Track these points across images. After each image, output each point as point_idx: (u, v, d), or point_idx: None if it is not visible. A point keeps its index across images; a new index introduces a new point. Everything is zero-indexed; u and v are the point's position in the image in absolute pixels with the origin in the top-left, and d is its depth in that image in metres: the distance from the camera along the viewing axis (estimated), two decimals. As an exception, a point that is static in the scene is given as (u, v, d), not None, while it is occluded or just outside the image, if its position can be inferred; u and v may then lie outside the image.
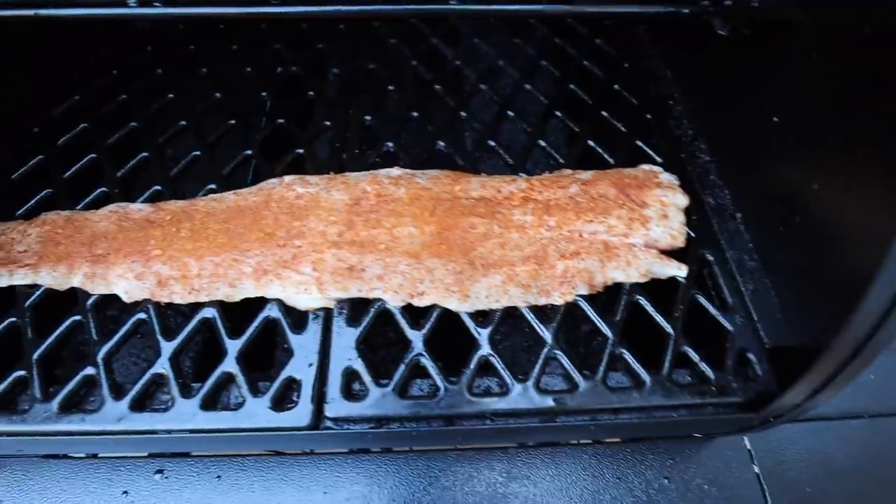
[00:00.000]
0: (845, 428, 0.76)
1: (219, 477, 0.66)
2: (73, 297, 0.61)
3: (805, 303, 0.59)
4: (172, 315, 0.65)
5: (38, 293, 0.61)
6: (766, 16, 0.56)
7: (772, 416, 0.57)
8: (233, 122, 0.77)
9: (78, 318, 0.59)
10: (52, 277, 0.61)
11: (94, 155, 0.73)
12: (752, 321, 0.62)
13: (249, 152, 0.73)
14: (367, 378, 0.56)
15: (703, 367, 0.59)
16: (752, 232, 0.68)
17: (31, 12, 0.52)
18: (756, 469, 0.70)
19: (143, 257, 0.60)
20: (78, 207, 0.68)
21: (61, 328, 0.59)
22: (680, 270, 0.63)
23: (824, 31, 0.53)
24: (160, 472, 0.66)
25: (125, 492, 0.65)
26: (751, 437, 0.71)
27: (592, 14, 0.55)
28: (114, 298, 0.61)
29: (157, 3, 0.53)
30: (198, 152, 0.73)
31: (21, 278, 0.61)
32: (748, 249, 0.67)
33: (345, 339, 0.58)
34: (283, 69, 0.85)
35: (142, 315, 0.59)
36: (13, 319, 0.59)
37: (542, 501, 0.65)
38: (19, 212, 0.68)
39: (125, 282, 0.60)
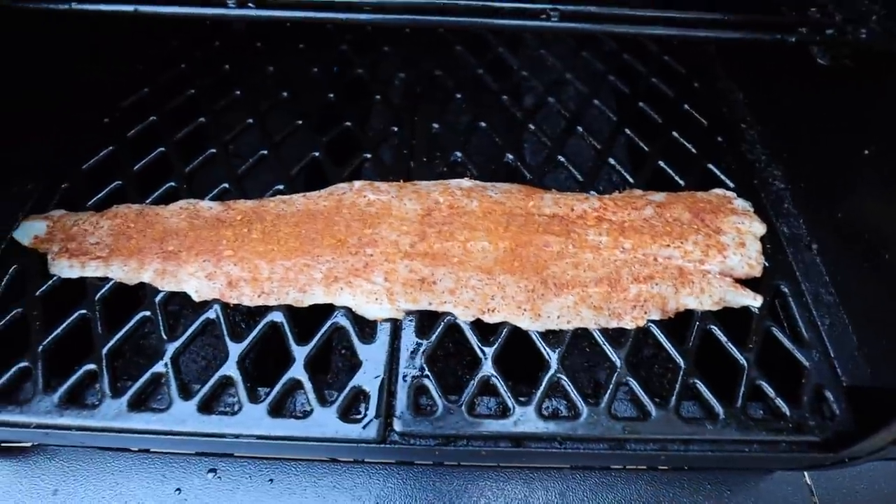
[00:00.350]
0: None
1: (271, 480, 0.65)
2: (140, 292, 0.61)
3: (890, 343, 0.56)
4: (237, 316, 0.65)
5: (107, 286, 0.61)
6: (873, 47, 0.53)
7: (848, 458, 0.55)
8: (299, 122, 0.76)
9: (147, 313, 0.59)
10: (122, 271, 0.61)
11: (162, 149, 0.73)
12: (829, 357, 0.60)
13: (316, 154, 0.73)
14: (435, 393, 0.55)
15: (779, 402, 0.56)
16: (829, 265, 0.65)
17: (130, 8, 0.52)
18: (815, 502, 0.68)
19: (214, 257, 0.60)
20: (147, 201, 0.68)
21: (131, 323, 0.58)
22: (755, 301, 0.61)
23: None
24: (213, 471, 0.66)
25: (178, 489, 0.64)
26: (811, 473, 0.68)
27: (694, 38, 0.53)
28: (179, 295, 0.60)
29: (251, 4, 0.52)
30: (264, 151, 0.73)
31: (93, 270, 0.61)
32: (824, 283, 0.65)
33: (414, 352, 0.57)
34: (349, 70, 0.85)
35: (210, 315, 0.59)
36: (84, 311, 0.59)
37: (595, 527, 0.63)
38: (89, 203, 0.68)
39: (196, 280, 0.59)
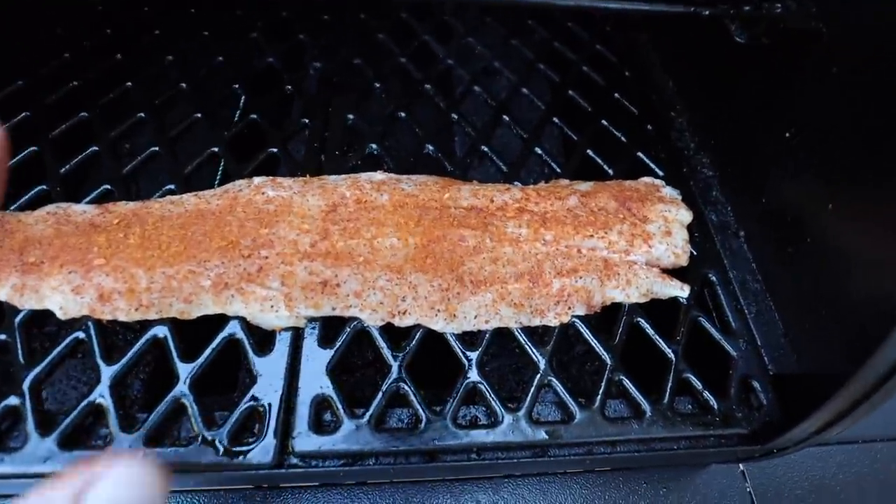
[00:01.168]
0: (840, 453, 0.72)
1: (170, 514, 0.58)
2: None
3: (814, 329, 0.54)
4: (121, 333, 0.57)
5: (-43, 306, 0.52)
6: (788, 24, 0.51)
7: (776, 449, 0.53)
8: (199, 115, 0.69)
9: (2, 337, 0.51)
10: (-26, 288, 0.52)
11: (34, 148, 0.64)
12: (756, 346, 0.57)
13: (216, 149, 0.65)
14: (339, 407, 0.49)
15: (707, 395, 0.54)
16: (756, 251, 0.63)
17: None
18: (750, 492, 0.66)
19: (83, 267, 0.52)
20: (11, 208, 0.59)
21: (-19, 348, 0.50)
22: (682, 291, 0.58)
23: (846, 43, 0.49)
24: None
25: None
26: (749, 470, 0.67)
27: (601, 10, 0.49)
28: (49, 314, 0.52)
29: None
30: (156, 148, 0.65)
31: (-63, 288, 0.52)
32: (751, 270, 0.63)
33: (316, 363, 0.51)
34: (259, 60, 0.77)
35: (79, 334, 0.51)
36: (-75, 337, 0.50)
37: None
38: (-58, 210, 0.59)
39: (60, 295, 0.51)
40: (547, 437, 0.50)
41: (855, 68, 0.49)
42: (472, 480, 0.62)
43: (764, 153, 0.62)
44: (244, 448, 0.46)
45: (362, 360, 0.62)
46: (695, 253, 0.62)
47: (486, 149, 0.69)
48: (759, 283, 0.62)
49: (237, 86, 0.74)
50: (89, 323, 0.51)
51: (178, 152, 0.66)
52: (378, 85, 0.75)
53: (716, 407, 0.53)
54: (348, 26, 0.83)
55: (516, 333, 0.54)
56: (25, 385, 0.48)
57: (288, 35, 0.81)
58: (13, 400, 0.47)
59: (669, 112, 0.79)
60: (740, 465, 0.68)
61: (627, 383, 0.53)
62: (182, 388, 0.49)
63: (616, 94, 0.79)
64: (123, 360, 0.50)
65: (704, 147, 0.74)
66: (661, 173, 0.70)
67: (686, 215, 0.63)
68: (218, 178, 0.66)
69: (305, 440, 0.47)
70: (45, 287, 0.51)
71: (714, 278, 0.61)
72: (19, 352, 0.50)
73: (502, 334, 0.54)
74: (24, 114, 0.67)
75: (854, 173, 0.48)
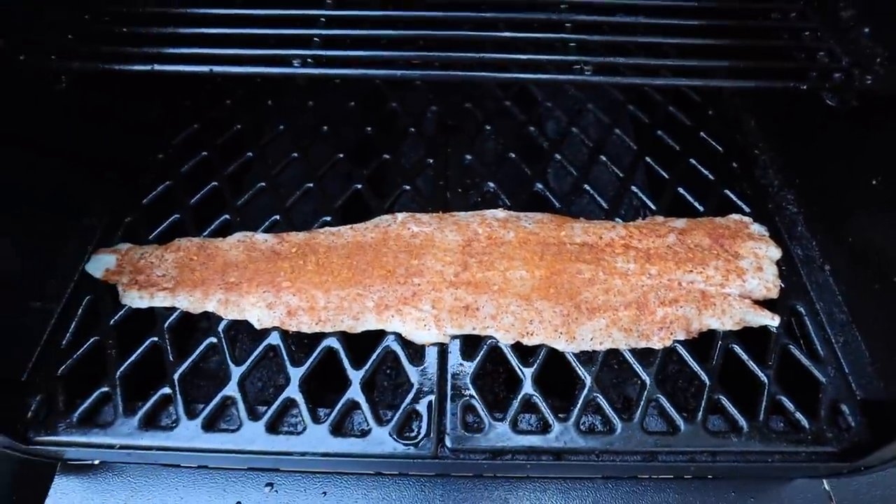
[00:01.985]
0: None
1: (324, 493, 0.70)
2: (204, 320, 0.66)
3: (899, 360, 0.61)
4: (294, 343, 0.70)
5: (175, 315, 0.66)
6: (878, 90, 0.58)
7: (864, 466, 0.60)
8: (340, 155, 0.81)
9: (213, 340, 0.64)
10: (188, 301, 0.66)
11: (215, 183, 0.78)
12: (844, 372, 0.64)
13: (359, 186, 0.78)
14: (482, 412, 0.60)
15: (798, 415, 0.61)
16: (841, 285, 0.70)
17: (206, 69, 0.57)
18: (832, 508, 0.72)
19: (273, 287, 0.65)
20: (204, 234, 0.73)
21: (199, 349, 0.64)
22: (773, 321, 0.66)
23: None
24: (270, 485, 0.70)
25: (238, 502, 0.69)
26: (833, 486, 0.73)
27: (716, 88, 0.57)
28: (238, 323, 0.65)
29: (309, 61, 0.57)
30: (310, 184, 0.78)
31: (161, 301, 0.66)
32: (837, 302, 0.69)
33: (460, 374, 0.62)
34: (384, 105, 0.90)
35: (272, 341, 0.64)
36: (155, 339, 0.64)
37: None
38: (151, 236, 0.73)
39: (258, 310, 0.64)
40: (656, 445, 0.59)
41: None
42: (575, 480, 0.71)
43: (851, 197, 0.69)
44: (409, 441, 0.58)
45: (495, 372, 0.73)
46: (784, 286, 0.69)
47: (587, 187, 0.78)
48: (846, 315, 0.68)
49: (369, 128, 0.86)
50: (276, 333, 0.64)
51: (326, 187, 0.78)
52: (488, 127, 0.86)
53: (807, 427, 0.60)
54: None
55: (626, 354, 0.63)
56: (235, 380, 0.61)
57: (406, 82, 0.94)
58: (229, 391, 0.60)
59: (753, 150, 0.86)
60: (824, 482, 0.74)
61: (725, 402, 0.61)
62: (355, 390, 0.61)
63: (701, 133, 0.86)
64: (307, 364, 0.62)
65: (789, 184, 0.81)
66: (747, 210, 0.77)
67: (775, 252, 0.70)
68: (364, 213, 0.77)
69: (457, 437, 0.58)
70: (245, 302, 0.65)
71: (802, 309, 0.68)
72: (227, 353, 0.63)
73: (610, 355, 0.64)
74: (202, 153, 0.82)
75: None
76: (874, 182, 0.65)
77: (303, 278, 0.65)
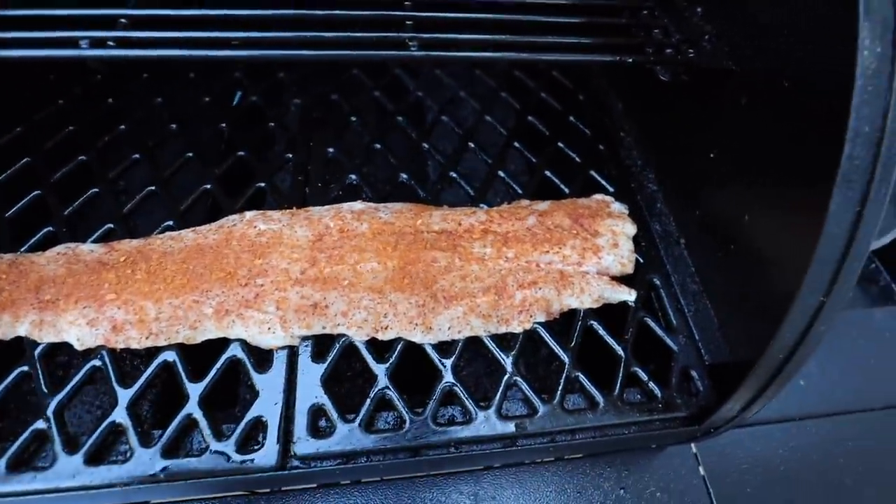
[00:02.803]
0: (779, 431, 0.83)
1: (184, 521, 0.64)
2: (20, 347, 0.59)
3: (739, 322, 0.64)
4: (128, 359, 0.63)
5: (-21, 343, 0.58)
6: (703, 64, 0.61)
7: (712, 428, 0.62)
8: (190, 154, 0.75)
9: (25, 368, 0.57)
10: (-5, 326, 0.58)
11: (38, 192, 0.70)
12: (695, 340, 0.67)
13: (208, 186, 0.72)
14: (333, 414, 0.57)
15: (652, 385, 0.63)
16: (694, 257, 0.73)
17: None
18: (702, 473, 0.75)
19: (96, 302, 0.58)
20: (22, 249, 0.65)
21: (7, 380, 0.56)
22: (630, 295, 0.68)
23: (751, 79, 0.59)
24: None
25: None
26: (697, 445, 0.76)
27: (544, 62, 0.58)
28: (64, 346, 0.59)
29: (110, 44, 0.52)
30: (153, 187, 0.72)
31: (-40, 327, 0.58)
32: (691, 273, 0.72)
33: (310, 377, 0.59)
34: (242, 99, 0.85)
35: (96, 362, 0.57)
36: (-47, 373, 0.56)
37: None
38: (-44, 255, 0.64)
39: (77, 329, 0.57)
40: (515, 429, 0.58)
41: (760, 98, 0.59)
42: (454, 475, 0.70)
43: (696, 170, 0.72)
44: (251, 455, 0.54)
45: (351, 371, 0.70)
46: (641, 260, 0.71)
47: (454, 174, 0.78)
48: (697, 285, 0.71)
49: (223, 124, 0.81)
50: (104, 352, 0.58)
51: (172, 190, 0.72)
52: (354, 118, 0.83)
53: (659, 395, 0.62)
54: (324, 64, 0.91)
55: (486, 341, 0.62)
56: (50, 410, 0.55)
57: (268, 73, 0.89)
58: (40, 424, 0.54)
59: (619, 132, 0.89)
60: (693, 447, 0.77)
61: (583, 379, 0.62)
62: (193, 405, 0.56)
63: (571, 118, 0.88)
64: (138, 384, 0.56)
65: (649, 164, 0.84)
66: (611, 190, 0.79)
67: (631, 228, 0.72)
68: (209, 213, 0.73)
69: (305, 444, 0.55)
70: (62, 322, 0.58)
71: (658, 282, 0.71)
72: (42, 381, 0.56)
73: (474, 342, 0.63)
74: (25, 159, 0.73)
75: (762, 187, 0.58)
76: (712, 155, 0.68)
77: (130, 289, 0.59)
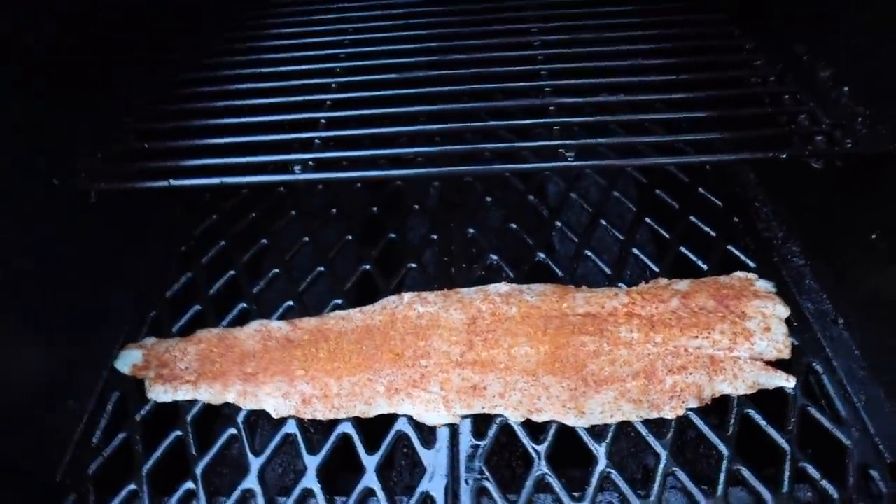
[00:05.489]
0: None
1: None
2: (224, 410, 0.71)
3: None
4: (310, 429, 0.74)
5: (197, 407, 0.72)
6: (860, 150, 0.62)
7: (901, 537, 0.59)
8: (349, 237, 0.88)
9: (234, 431, 0.69)
10: (209, 394, 0.72)
11: (232, 272, 0.86)
12: (870, 434, 0.64)
13: (367, 266, 0.84)
14: (496, 494, 0.62)
15: (825, 484, 0.61)
16: (857, 339, 0.71)
17: (217, 181, 0.66)
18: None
19: (288, 377, 0.70)
20: (223, 324, 0.80)
21: (221, 441, 0.69)
22: (788, 382, 0.67)
23: None
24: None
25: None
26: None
27: (696, 163, 0.62)
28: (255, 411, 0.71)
29: (311, 164, 0.65)
30: (321, 268, 0.85)
31: (184, 394, 0.72)
32: (855, 357, 0.70)
33: (472, 454, 0.65)
34: (388, 184, 0.97)
35: (288, 430, 0.69)
36: (179, 433, 0.70)
37: None
38: (175, 328, 0.80)
39: (273, 399, 0.69)
40: (676, 522, 0.60)
41: None
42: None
43: (854, 250, 0.71)
44: (424, 527, 0.61)
45: (507, 449, 0.75)
46: (796, 343, 0.71)
47: (589, 252, 0.83)
48: (866, 371, 0.69)
49: (374, 208, 0.93)
50: (292, 421, 0.69)
51: (336, 269, 0.85)
52: (489, 199, 0.92)
53: (835, 496, 0.60)
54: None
55: (638, 426, 0.65)
56: (254, 473, 0.66)
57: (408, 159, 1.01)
58: (248, 484, 0.65)
59: (753, 203, 0.89)
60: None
61: (746, 473, 0.62)
62: (371, 477, 0.64)
63: (700, 189, 0.91)
64: (324, 451, 0.66)
65: (792, 236, 0.83)
66: (752, 265, 0.80)
67: (783, 310, 0.72)
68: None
69: (471, 522, 0.60)
70: (261, 393, 0.70)
71: (819, 367, 0.69)
72: (246, 444, 0.68)
73: (622, 427, 0.66)
74: (221, 242, 0.90)
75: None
76: (873, 237, 0.67)
77: (315, 366, 0.70)
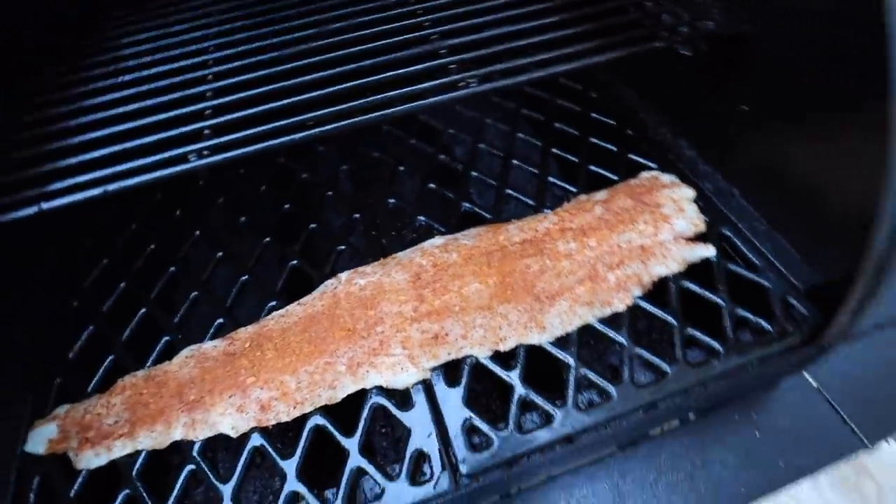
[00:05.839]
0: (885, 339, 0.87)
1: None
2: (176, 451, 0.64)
3: (819, 246, 0.71)
4: (277, 434, 0.69)
5: (141, 459, 0.63)
6: (720, 32, 0.72)
7: (828, 343, 0.67)
8: (267, 239, 0.84)
9: (191, 467, 0.62)
10: (151, 439, 0.64)
11: (144, 310, 0.78)
12: (783, 274, 0.73)
13: (295, 262, 0.80)
14: (485, 427, 0.62)
15: (760, 321, 0.69)
16: (753, 202, 0.81)
17: (99, 191, 0.59)
18: (827, 397, 0.79)
19: (239, 389, 0.65)
20: (148, 364, 0.72)
21: (179, 482, 0.61)
22: (709, 251, 0.74)
23: (767, 36, 0.69)
24: None
25: None
26: (814, 376, 0.80)
27: (576, 69, 0.68)
28: (213, 440, 0.64)
29: (206, 152, 0.61)
30: (245, 277, 0.79)
31: (120, 450, 0.64)
32: (756, 217, 0.80)
33: (452, 402, 0.64)
34: (294, 179, 0.94)
35: (254, 443, 0.63)
36: (127, 492, 0.61)
37: (662, 496, 0.70)
38: (90, 387, 0.71)
39: (229, 418, 0.63)
40: (651, 394, 0.63)
41: (785, 42, 0.68)
42: (594, 464, 0.73)
43: (730, 126, 0.81)
44: (425, 485, 0.59)
45: (485, 387, 0.75)
46: (707, 219, 0.79)
47: (510, 191, 0.86)
48: (766, 226, 0.79)
49: (287, 205, 0.89)
50: (255, 434, 0.64)
51: (261, 275, 0.80)
52: (401, 168, 0.92)
53: (770, 329, 0.68)
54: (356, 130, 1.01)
55: (596, 326, 0.69)
56: (228, 499, 0.60)
57: (309, 150, 0.99)
58: (224, 513, 0.59)
59: (640, 115, 0.99)
60: (809, 378, 0.81)
61: (697, 333, 0.68)
62: (355, 457, 0.61)
63: (592, 114, 0.98)
64: (298, 451, 0.62)
65: (678, 133, 0.93)
66: (653, 165, 0.88)
67: (689, 192, 0.80)
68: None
69: (470, 462, 0.60)
70: (213, 415, 0.64)
71: (728, 233, 0.78)
72: (210, 475, 0.61)
73: (582, 331, 0.69)
74: (121, 285, 0.81)
75: (802, 121, 0.67)
76: (745, 108, 0.77)
77: (266, 368, 0.66)
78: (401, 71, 0.69)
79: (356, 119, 0.66)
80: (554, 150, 0.92)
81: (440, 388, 0.65)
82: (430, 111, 1.00)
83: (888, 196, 0.52)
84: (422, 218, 0.83)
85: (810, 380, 0.78)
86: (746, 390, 0.72)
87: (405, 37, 0.76)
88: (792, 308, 0.70)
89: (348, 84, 0.68)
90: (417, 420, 0.63)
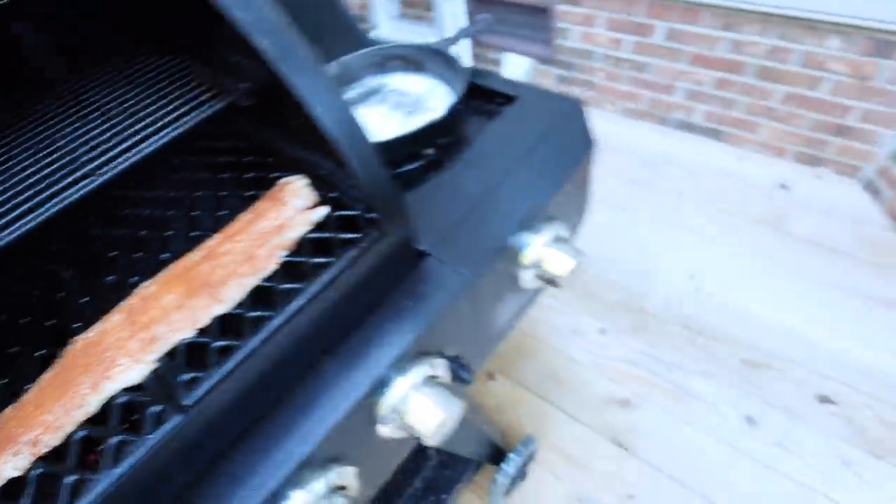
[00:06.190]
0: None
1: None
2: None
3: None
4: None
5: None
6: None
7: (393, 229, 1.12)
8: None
9: (-7, 510, 0.83)
10: (-52, 512, 0.83)
11: None
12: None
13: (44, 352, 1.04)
14: (208, 384, 0.93)
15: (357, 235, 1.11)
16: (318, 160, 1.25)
17: None
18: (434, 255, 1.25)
19: (11, 442, 0.87)
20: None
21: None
22: (323, 211, 1.16)
23: None
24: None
25: None
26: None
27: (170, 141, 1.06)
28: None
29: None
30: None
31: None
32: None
33: (181, 383, 0.94)
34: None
35: (37, 471, 0.86)
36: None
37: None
38: None
39: (10, 464, 0.86)
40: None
41: None
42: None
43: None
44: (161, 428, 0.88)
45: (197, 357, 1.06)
46: (319, 194, 1.21)
47: (197, 232, 1.21)
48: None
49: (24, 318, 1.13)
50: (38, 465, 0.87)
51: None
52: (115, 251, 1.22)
53: (361, 236, 1.11)
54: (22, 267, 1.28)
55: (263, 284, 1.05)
56: (26, 513, 0.82)
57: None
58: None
59: (275, 144, 1.41)
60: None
61: (322, 259, 1.08)
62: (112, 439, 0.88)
63: (243, 158, 1.38)
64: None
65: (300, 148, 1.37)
66: (289, 175, 1.29)
67: (302, 180, 1.22)
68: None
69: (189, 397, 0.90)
70: (-3, 471, 0.86)
71: (334, 195, 1.21)
72: (11, 510, 0.83)
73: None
74: None
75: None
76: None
77: (29, 419, 0.89)
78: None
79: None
80: (221, 194, 1.30)
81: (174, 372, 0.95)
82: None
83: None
84: (136, 277, 1.14)
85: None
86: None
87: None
88: (372, 221, 1.14)
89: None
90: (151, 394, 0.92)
